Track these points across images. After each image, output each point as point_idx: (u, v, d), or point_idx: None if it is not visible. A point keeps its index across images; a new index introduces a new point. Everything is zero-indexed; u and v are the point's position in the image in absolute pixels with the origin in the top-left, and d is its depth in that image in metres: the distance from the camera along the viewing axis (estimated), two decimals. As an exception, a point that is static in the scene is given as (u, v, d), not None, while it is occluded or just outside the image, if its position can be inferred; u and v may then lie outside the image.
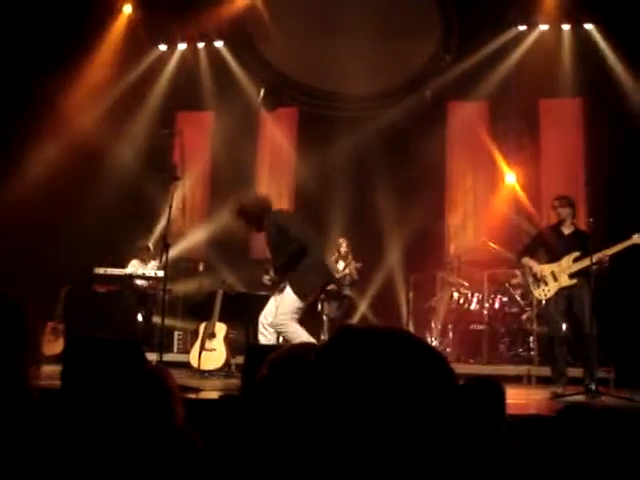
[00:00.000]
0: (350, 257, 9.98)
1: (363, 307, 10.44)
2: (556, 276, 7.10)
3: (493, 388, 3.07)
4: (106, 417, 2.83)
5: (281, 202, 11.66)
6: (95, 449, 2.46)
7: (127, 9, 11.20)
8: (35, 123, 10.09)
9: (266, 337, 6.64)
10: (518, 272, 9.25)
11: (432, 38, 11.09)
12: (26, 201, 10.05)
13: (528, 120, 10.79)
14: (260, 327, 6.71)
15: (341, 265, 9.84)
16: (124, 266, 9.79)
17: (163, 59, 11.74)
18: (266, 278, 6.85)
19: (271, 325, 6.61)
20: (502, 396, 3.09)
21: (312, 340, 6.23)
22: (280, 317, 6.49)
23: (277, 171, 11.81)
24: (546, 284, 7.14)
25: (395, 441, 1.05)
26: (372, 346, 1.12)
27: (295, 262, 6.54)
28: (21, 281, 7.18)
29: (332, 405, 1.08)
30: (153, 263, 9.92)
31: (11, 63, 10.02)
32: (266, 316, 6.69)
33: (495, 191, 10.95)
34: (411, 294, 10.24)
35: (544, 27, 10.67)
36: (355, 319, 10.20)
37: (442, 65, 11.05)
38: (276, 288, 6.75)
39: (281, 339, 6.77)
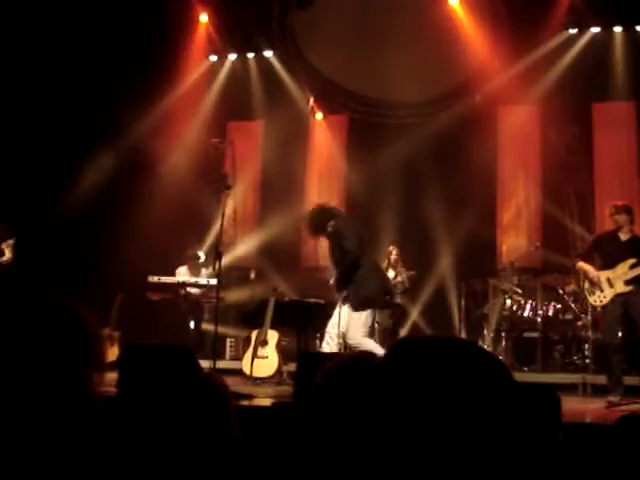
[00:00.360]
0: (400, 265, 9.94)
1: (415, 315, 10.38)
2: (612, 282, 6.99)
3: (549, 396, 3.03)
4: (162, 425, 2.87)
5: (332, 209, 11.71)
6: (150, 457, 2.50)
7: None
8: (94, 131, 10.33)
9: (330, 346, 6.74)
10: (572, 279, 9.12)
11: (482, 42, 11.01)
12: (82, 209, 10.28)
13: (581, 124, 10.64)
14: (326, 336, 6.86)
15: (391, 274, 9.79)
16: (174, 274, 9.91)
17: (214, 69, 11.90)
18: (331, 281, 7.04)
19: (348, 345, 6.76)
20: (558, 404, 3.06)
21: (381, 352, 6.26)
22: (353, 340, 6.68)
23: (327, 179, 11.85)
24: (602, 290, 7.03)
25: (459, 449, 1.05)
26: (435, 354, 1.12)
27: (350, 275, 6.72)
28: (79, 288, 7.36)
29: (396, 414, 1.08)
30: (205, 271, 10.02)
31: (85, 75, 10.26)
32: (334, 326, 6.79)
33: (547, 197, 10.80)
34: (463, 301, 10.15)
35: (596, 29, 10.53)
36: (406, 327, 10.16)
37: (492, 69, 10.95)
38: (340, 296, 6.86)
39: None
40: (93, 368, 1.00)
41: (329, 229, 6.91)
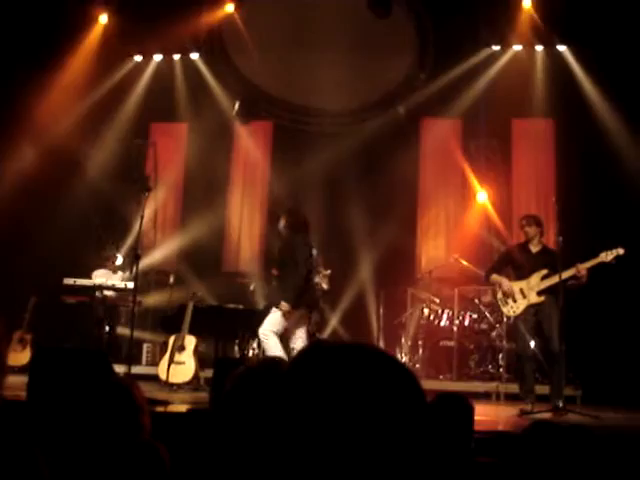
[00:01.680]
0: (320, 268, 9.88)
1: (334, 322, 10.42)
2: (525, 293, 7.16)
3: (462, 404, 3.08)
4: (72, 429, 2.79)
5: (254, 215, 11.65)
6: (60, 461, 2.43)
7: (103, 18, 11.13)
8: (7, 129, 10.00)
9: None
10: (488, 289, 9.31)
11: (408, 55, 11.18)
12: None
13: (500, 138, 10.88)
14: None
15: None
16: (90, 276, 9.68)
17: (138, 69, 11.69)
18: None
19: (258, 336, 7.12)
20: (471, 412, 3.10)
21: (283, 356, 6.33)
22: (263, 331, 6.98)
23: (251, 184, 11.78)
24: (515, 301, 7.20)
25: (364, 457, 1.04)
26: (342, 361, 1.11)
27: (287, 279, 7.09)
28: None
29: (301, 420, 1.07)
30: (122, 274, 9.83)
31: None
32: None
33: (467, 208, 11.01)
34: (382, 309, 10.25)
35: (517, 47, 10.82)
36: (326, 333, 10.18)
37: (417, 82, 11.13)
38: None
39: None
40: None
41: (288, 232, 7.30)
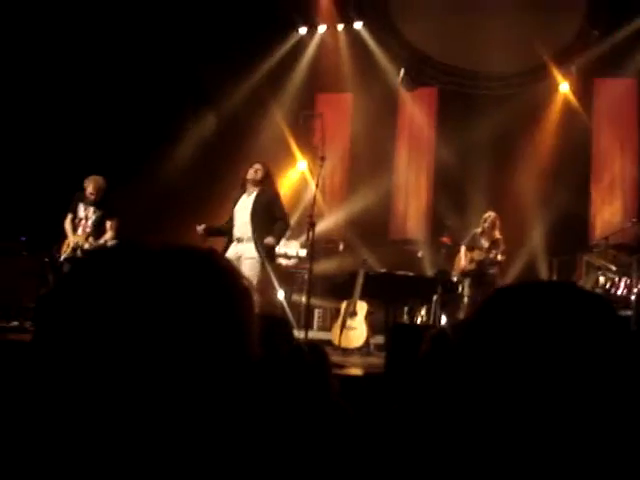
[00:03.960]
0: (496, 234, 9.40)
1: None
2: None
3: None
4: (267, 392, 2.95)
5: (420, 181, 11.65)
6: (258, 423, 2.58)
7: None
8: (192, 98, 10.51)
9: None
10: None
11: (579, 11, 10.68)
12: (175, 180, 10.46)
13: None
14: None
15: (484, 243, 9.43)
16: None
17: (303, 42, 11.90)
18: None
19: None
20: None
21: None
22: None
23: (416, 151, 11.77)
24: None
25: (576, 404, 0.99)
26: (536, 299, 1.06)
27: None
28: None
29: (502, 366, 1.03)
30: (295, 242, 10.11)
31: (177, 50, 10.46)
32: None
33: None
34: (555, 278, 9.97)
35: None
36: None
37: (589, 40, 10.63)
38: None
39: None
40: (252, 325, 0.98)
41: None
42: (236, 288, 0.95)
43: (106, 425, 0.85)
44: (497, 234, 9.28)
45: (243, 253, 6.81)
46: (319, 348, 2.94)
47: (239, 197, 7.09)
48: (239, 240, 6.91)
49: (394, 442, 2.30)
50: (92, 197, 7.67)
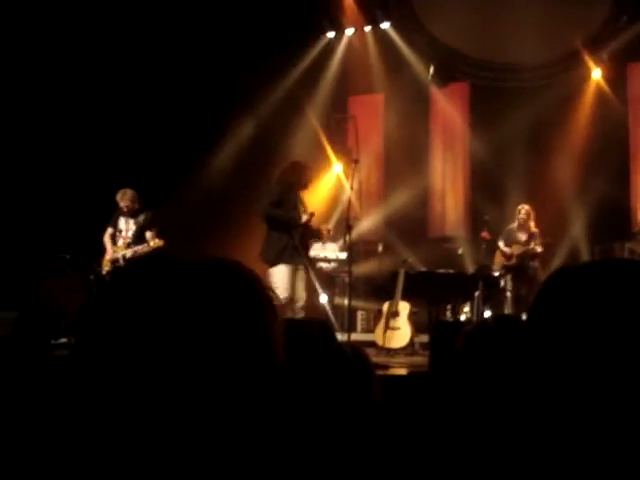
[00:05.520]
0: (532, 225, 9.35)
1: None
2: None
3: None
4: (310, 395, 2.97)
5: (457, 177, 11.60)
6: (297, 426, 2.61)
7: None
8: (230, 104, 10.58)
9: None
10: None
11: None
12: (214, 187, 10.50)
13: None
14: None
15: (522, 237, 9.39)
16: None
17: (332, 46, 11.92)
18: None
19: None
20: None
21: None
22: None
23: (451, 147, 11.72)
24: None
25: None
26: (598, 277, 1.05)
27: None
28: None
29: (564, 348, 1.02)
30: (333, 245, 10.14)
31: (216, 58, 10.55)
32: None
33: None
34: (598, 266, 9.83)
35: None
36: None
37: (618, 26, 10.49)
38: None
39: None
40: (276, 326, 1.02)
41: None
42: (261, 297, 0.99)
43: (145, 430, 0.89)
44: (533, 226, 9.26)
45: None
46: (358, 349, 2.96)
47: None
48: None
49: (436, 440, 2.31)
50: (126, 209, 7.87)
